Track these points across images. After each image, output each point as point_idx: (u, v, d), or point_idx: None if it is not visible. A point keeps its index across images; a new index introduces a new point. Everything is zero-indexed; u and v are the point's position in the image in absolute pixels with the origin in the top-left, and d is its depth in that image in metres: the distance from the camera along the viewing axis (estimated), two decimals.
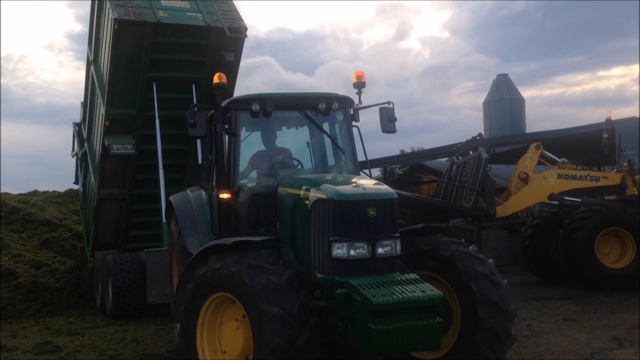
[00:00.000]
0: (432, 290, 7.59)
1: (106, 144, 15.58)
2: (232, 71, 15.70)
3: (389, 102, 10.15)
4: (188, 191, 10.89)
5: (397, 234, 8.24)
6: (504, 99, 37.86)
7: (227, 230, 9.21)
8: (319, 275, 8.08)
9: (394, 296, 7.28)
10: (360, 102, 10.22)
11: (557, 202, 18.28)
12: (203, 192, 10.45)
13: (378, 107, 10.24)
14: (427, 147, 39.80)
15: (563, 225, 17.23)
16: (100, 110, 16.14)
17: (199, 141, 15.55)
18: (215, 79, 9.45)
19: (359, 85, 10.16)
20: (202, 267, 8.14)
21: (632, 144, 19.77)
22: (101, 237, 17.68)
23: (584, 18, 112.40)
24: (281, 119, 10.07)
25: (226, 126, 9.43)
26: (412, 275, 7.99)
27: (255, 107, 9.49)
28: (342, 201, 8.00)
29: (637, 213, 16.97)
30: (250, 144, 10.19)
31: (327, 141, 10.42)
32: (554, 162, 18.63)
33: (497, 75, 39.49)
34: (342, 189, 8.25)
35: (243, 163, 10.15)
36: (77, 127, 20.13)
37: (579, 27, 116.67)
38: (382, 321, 7.21)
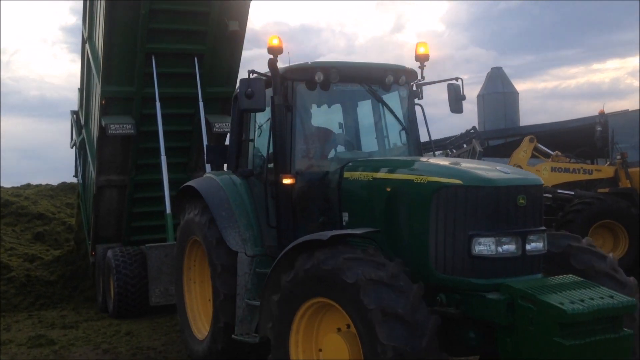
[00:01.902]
0: (620, 296, 5.86)
1: (103, 124, 13.48)
2: (237, 42, 13.69)
3: (457, 78, 8.41)
4: (212, 176, 9.02)
5: (545, 228, 6.51)
6: (497, 92, 36.64)
7: (287, 221, 7.54)
8: (443, 276, 6.32)
9: (586, 304, 5.54)
10: (423, 77, 8.52)
11: (550, 195, 17.06)
12: (235, 177, 8.68)
13: (437, 85, 8.61)
14: (421, 140, 37.69)
15: (556, 217, 16.24)
16: (97, 90, 14.04)
17: (203, 121, 13.58)
18: (270, 41, 7.54)
19: (422, 58, 8.43)
20: (289, 272, 6.39)
21: (626, 136, 18.44)
22: (102, 230, 15.46)
23: (580, 11, 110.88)
24: (328, 94, 8.23)
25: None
26: (573, 277, 6.29)
27: (319, 77, 7.74)
28: (487, 187, 6.24)
29: (630, 206, 16.11)
30: (267, 125, 8.36)
31: (364, 122, 8.80)
32: (547, 155, 17.91)
33: (491, 69, 38.38)
34: (483, 172, 6.46)
35: (262, 146, 8.50)
36: (74, 115, 17.90)
37: (574, 20, 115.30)
38: (571, 335, 5.44)
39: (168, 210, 13.09)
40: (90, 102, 15.24)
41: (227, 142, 14.36)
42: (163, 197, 13.44)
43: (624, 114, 21.66)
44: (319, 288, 6.02)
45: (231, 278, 8.00)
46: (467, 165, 6.88)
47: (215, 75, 13.66)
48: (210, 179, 8.90)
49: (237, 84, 7.69)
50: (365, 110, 8.75)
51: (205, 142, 13.33)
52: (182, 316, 9.48)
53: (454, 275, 6.21)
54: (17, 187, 24.43)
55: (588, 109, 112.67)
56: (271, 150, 8.01)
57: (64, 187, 23.91)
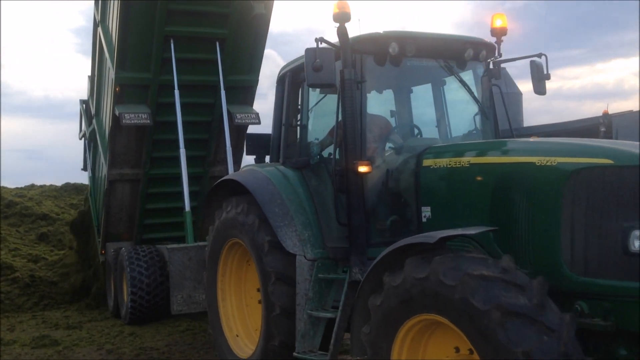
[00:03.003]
0: None
1: (117, 113, 12.04)
2: (262, 26, 12.23)
3: (540, 54, 7.03)
4: (256, 168, 7.64)
5: None
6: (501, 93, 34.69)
7: (360, 218, 6.12)
8: (584, 279, 4.86)
9: None
10: (500, 53, 7.19)
11: None
12: (283, 169, 7.31)
13: (517, 63, 7.34)
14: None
15: None
16: (110, 76, 12.63)
17: (225, 112, 12.06)
18: (336, 8, 6.17)
19: (500, 32, 7.12)
20: (396, 276, 4.86)
21: (629, 137, 17.04)
22: (113, 227, 13.94)
23: (585, 11, 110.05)
24: (396, 71, 6.80)
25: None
26: None
27: (394, 49, 6.39)
28: None
29: None
30: (321, 108, 7.23)
31: (430, 105, 7.41)
32: None
33: None
34: (637, 150, 5.00)
35: (316, 133, 7.29)
36: (84, 105, 16.43)
37: (579, 20, 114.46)
38: None
39: (187, 207, 11.59)
40: (102, 89, 13.83)
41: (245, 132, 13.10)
42: (181, 193, 11.89)
43: (628, 114, 20.62)
44: (434, 304, 4.58)
45: (288, 288, 6.64)
46: (607, 143, 5.52)
47: (237, 62, 12.27)
48: (254, 171, 7.52)
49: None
50: (397, 99, 7.50)
51: (227, 134, 11.90)
52: (216, 329, 8.01)
53: (602, 278, 4.77)
54: (21, 188, 23.52)
55: (592, 110, 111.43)
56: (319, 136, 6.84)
57: (68, 187, 23.09)
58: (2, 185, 22.29)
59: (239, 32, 11.95)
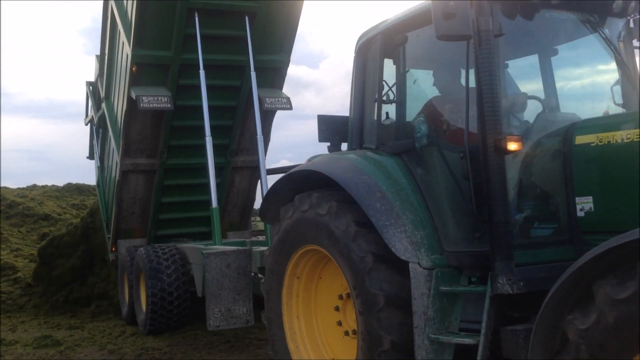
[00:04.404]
0: None
1: (133, 96, 10.51)
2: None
3: None
4: (337, 156, 6.04)
5: None
6: None
7: (505, 211, 4.41)
8: None
9: None
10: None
11: None
12: (373, 155, 5.68)
13: None
14: None
15: None
16: (125, 51, 11.06)
17: (256, 96, 10.46)
18: None
19: None
20: (620, 285, 3.24)
21: None
22: (125, 222, 12.38)
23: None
24: (528, 27, 5.28)
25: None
26: None
27: None
28: None
29: None
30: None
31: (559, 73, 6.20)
32: None
33: None
34: None
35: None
36: (90, 87, 14.73)
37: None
38: None
39: (214, 203, 9.95)
40: (113, 69, 12.23)
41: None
42: (199, 185, 10.70)
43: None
44: None
45: (401, 315, 4.97)
46: None
47: (267, 40, 10.78)
48: (335, 159, 5.92)
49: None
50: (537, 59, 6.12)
51: (258, 120, 10.31)
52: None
53: None
54: (23, 188, 22.75)
55: (593, 110, 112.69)
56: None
57: (70, 188, 22.31)
58: (3, 185, 21.72)
59: (271, 6, 10.47)
